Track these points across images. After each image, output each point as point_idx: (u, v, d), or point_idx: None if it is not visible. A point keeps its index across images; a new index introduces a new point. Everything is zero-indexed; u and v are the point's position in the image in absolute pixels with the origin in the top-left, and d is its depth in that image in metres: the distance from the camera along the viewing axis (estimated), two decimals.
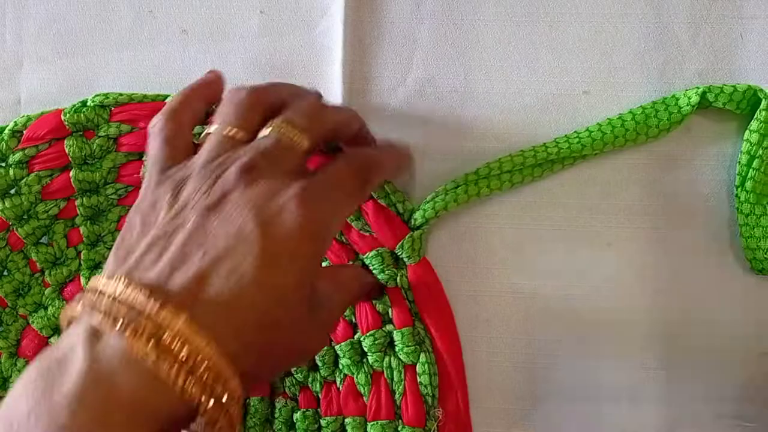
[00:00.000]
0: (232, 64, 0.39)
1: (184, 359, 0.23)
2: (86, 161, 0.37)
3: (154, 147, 0.30)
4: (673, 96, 0.36)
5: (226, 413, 0.24)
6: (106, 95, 0.37)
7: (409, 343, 0.35)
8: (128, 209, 0.36)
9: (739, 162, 0.35)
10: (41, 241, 0.37)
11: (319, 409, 0.36)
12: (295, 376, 0.36)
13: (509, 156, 0.36)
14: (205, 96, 0.33)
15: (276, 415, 0.36)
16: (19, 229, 0.37)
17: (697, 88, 0.35)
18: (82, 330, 0.24)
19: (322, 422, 0.36)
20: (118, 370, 0.22)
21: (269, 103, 0.31)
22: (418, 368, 0.35)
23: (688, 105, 0.35)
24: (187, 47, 0.39)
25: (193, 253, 0.25)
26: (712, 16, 0.37)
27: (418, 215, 0.35)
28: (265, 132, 0.29)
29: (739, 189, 0.35)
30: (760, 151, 0.35)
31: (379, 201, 0.36)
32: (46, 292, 0.37)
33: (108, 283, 0.25)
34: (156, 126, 0.31)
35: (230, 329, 0.24)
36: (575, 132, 0.36)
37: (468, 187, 0.36)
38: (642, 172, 0.37)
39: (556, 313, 0.37)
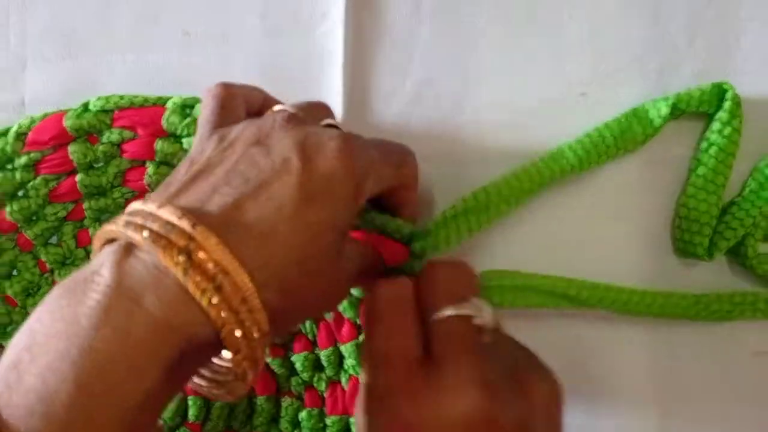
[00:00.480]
0: (233, 66, 0.39)
1: (212, 277, 0.23)
2: (91, 166, 0.37)
3: (208, 107, 0.31)
4: (644, 107, 0.36)
5: (249, 344, 0.24)
6: (108, 99, 0.37)
7: None
8: None
9: (700, 149, 0.36)
10: (50, 241, 0.38)
11: (324, 408, 0.36)
12: (301, 375, 0.37)
13: (494, 185, 0.35)
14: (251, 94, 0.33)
15: (282, 414, 0.37)
16: (28, 231, 0.37)
17: (666, 99, 0.36)
18: (112, 249, 0.24)
19: (327, 421, 0.36)
20: (145, 286, 0.23)
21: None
22: None
23: (658, 117, 0.36)
24: (189, 50, 0.39)
25: (234, 180, 0.26)
26: (709, 19, 0.37)
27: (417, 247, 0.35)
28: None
29: (693, 173, 0.36)
30: (719, 139, 0.35)
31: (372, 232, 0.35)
32: None
33: (145, 205, 0.25)
34: (214, 89, 0.31)
35: (261, 257, 0.24)
36: (558, 148, 0.36)
37: (463, 222, 0.35)
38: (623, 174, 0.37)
39: None
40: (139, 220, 0.24)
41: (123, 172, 0.37)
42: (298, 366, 0.36)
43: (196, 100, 0.37)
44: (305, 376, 0.37)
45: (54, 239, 0.38)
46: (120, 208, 0.38)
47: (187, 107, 0.37)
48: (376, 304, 0.29)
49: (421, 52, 0.38)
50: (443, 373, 0.26)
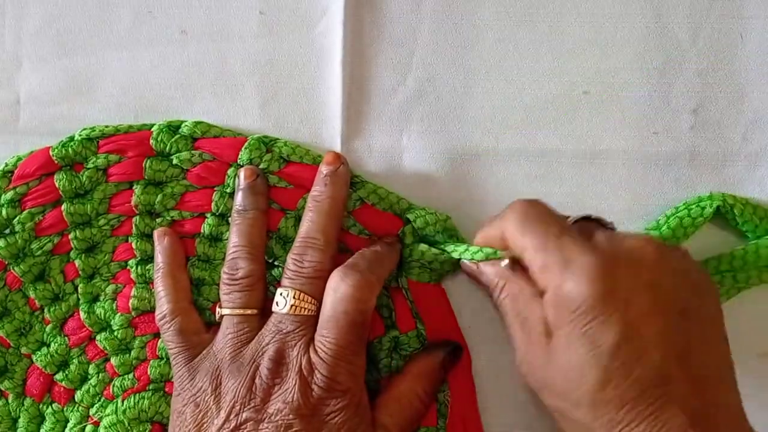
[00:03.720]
0: (231, 64, 0.38)
1: None
2: (77, 194, 0.37)
3: (170, 342, 0.35)
4: (687, 206, 0.36)
5: None
6: (93, 128, 0.37)
7: (414, 345, 0.36)
8: (123, 240, 0.37)
9: None
10: (38, 278, 0.37)
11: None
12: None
13: None
14: (180, 263, 0.36)
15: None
16: (16, 268, 0.37)
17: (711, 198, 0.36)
18: None
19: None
20: None
21: (262, 273, 0.35)
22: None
23: (701, 217, 0.35)
24: (187, 48, 0.39)
25: None
26: (712, 16, 0.37)
27: (415, 254, 0.36)
28: (278, 306, 0.33)
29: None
30: None
31: (372, 206, 0.36)
32: (47, 330, 0.37)
33: None
34: (163, 321, 0.35)
35: None
36: None
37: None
38: None
39: None
40: None
41: (108, 197, 0.37)
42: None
43: (181, 122, 0.37)
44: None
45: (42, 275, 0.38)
46: (106, 237, 0.37)
47: (174, 127, 0.37)
48: (523, 211, 0.31)
49: (422, 50, 0.38)
50: (615, 241, 0.30)
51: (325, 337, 0.32)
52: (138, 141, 0.37)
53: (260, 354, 0.32)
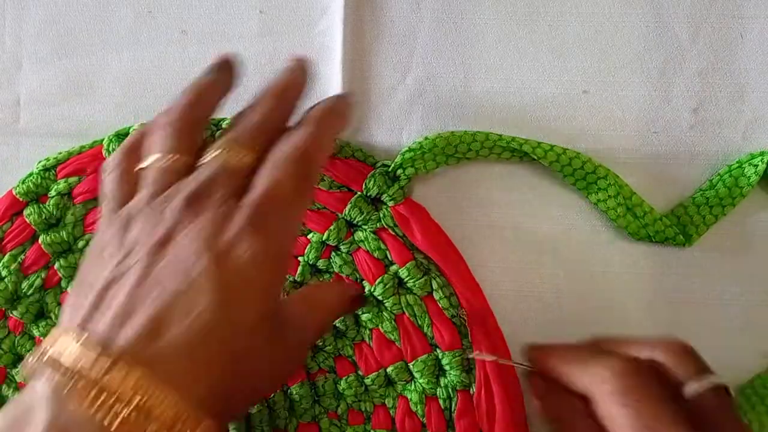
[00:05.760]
0: None
1: (142, 414, 0.22)
2: (50, 224, 0.37)
3: (104, 187, 0.29)
4: (740, 163, 0.36)
5: None
6: (47, 159, 0.38)
7: (418, 276, 0.35)
8: None
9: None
10: (39, 316, 0.37)
11: (359, 371, 0.36)
12: (326, 349, 0.37)
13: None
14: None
15: (321, 393, 0.37)
16: (14, 312, 0.37)
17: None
18: (41, 385, 0.23)
19: (367, 381, 0.36)
20: (78, 427, 0.22)
21: (201, 118, 0.30)
22: (435, 295, 0.35)
23: (755, 174, 0.35)
24: (187, 47, 0.39)
25: (143, 299, 0.25)
26: (712, 16, 0.37)
27: (395, 164, 0.36)
28: (208, 157, 0.28)
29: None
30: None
31: (340, 157, 0.37)
32: None
33: (62, 338, 0.24)
34: (108, 165, 0.30)
35: (192, 375, 0.24)
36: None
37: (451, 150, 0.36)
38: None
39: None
40: (57, 364, 0.23)
41: (81, 219, 0.37)
42: (319, 341, 0.36)
43: (129, 129, 0.37)
44: (330, 348, 0.37)
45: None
46: None
47: (123, 135, 0.37)
48: (626, 385, 0.27)
49: (422, 49, 0.38)
50: None
51: (263, 177, 0.27)
52: (93, 157, 0.37)
53: (175, 195, 0.27)
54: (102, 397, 0.22)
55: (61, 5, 0.40)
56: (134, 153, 0.30)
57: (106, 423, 0.22)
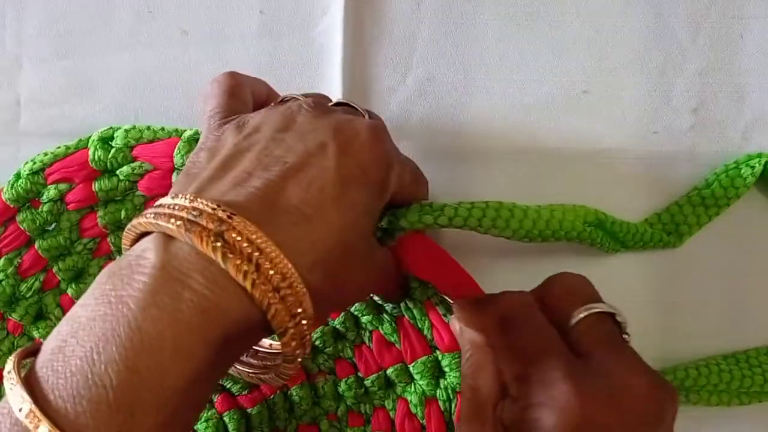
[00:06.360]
0: (231, 64, 0.38)
1: (248, 257, 0.23)
2: (44, 230, 0.36)
3: (216, 97, 0.30)
4: (738, 163, 0.36)
5: (296, 325, 0.23)
6: (33, 161, 0.36)
7: (416, 284, 0.35)
8: (106, 258, 0.37)
9: None
10: (38, 318, 0.37)
11: (359, 373, 0.36)
12: (326, 350, 0.36)
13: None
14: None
15: (321, 394, 0.37)
16: (13, 315, 0.37)
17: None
18: (153, 236, 0.24)
19: (367, 383, 0.36)
20: (190, 268, 0.22)
21: None
22: (434, 300, 0.35)
23: (751, 175, 0.36)
24: (187, 48, 0.39)
25: (269, 164, 0.25)
26: (712, 16, 0.37)
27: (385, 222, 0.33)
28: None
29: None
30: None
31: None
32: None
33: (176, 200, 0.24)
34: (221, 78, 0.31)
35: (307, 239, 0.24)
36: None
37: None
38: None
39: None
40: (167, 211, 0.24)
41: (76, 223, 0.36)
42: (319, 343, 0.36)
43: (114, 130, 0.36)
44: (329, 350, 0.36)
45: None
46: (88, 260, 0.37)
47: (106, 140, 0.36)
48: (509, 308, 0.28)
49: (422, 49, 0.38)
50: (607, 362, 0.25)
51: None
52: (80, 165, 0.36)
53: (300, 102, 0.29)
54: (219, 243, 0.23)
55: (61, 5, 0.40)
56: (241, 77, 0.32)
57: (218, 259, 0.22)
